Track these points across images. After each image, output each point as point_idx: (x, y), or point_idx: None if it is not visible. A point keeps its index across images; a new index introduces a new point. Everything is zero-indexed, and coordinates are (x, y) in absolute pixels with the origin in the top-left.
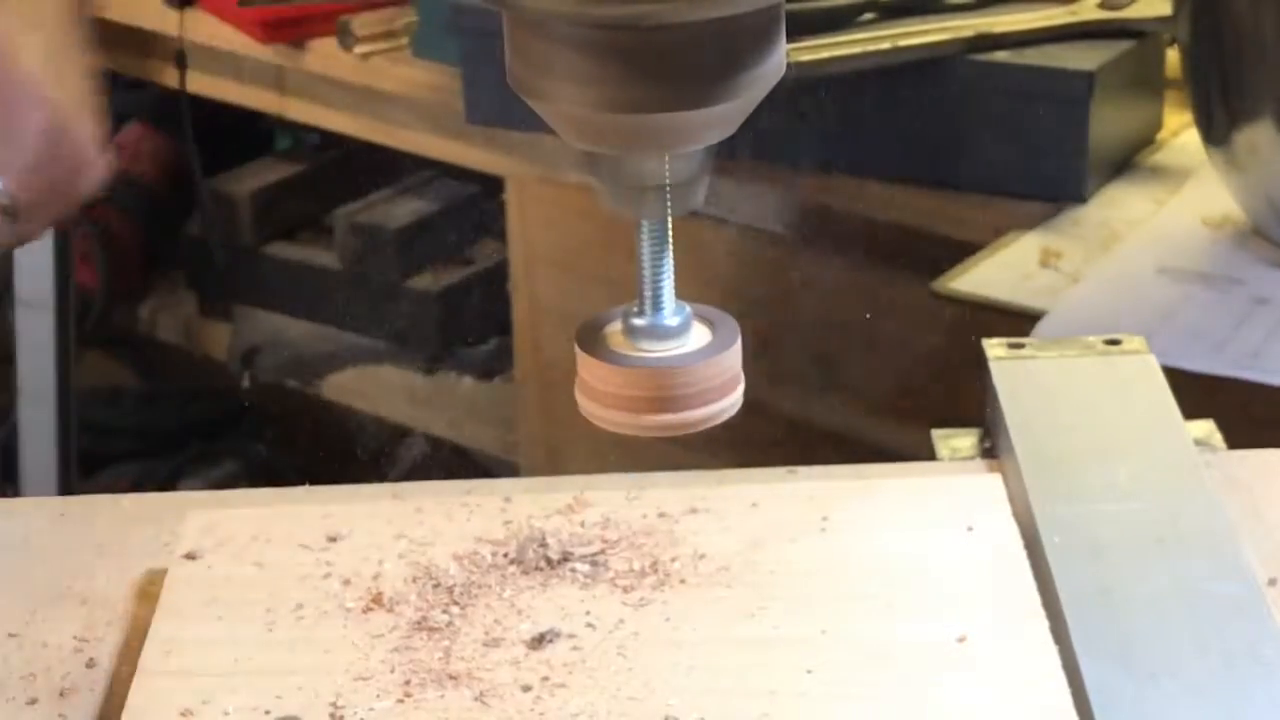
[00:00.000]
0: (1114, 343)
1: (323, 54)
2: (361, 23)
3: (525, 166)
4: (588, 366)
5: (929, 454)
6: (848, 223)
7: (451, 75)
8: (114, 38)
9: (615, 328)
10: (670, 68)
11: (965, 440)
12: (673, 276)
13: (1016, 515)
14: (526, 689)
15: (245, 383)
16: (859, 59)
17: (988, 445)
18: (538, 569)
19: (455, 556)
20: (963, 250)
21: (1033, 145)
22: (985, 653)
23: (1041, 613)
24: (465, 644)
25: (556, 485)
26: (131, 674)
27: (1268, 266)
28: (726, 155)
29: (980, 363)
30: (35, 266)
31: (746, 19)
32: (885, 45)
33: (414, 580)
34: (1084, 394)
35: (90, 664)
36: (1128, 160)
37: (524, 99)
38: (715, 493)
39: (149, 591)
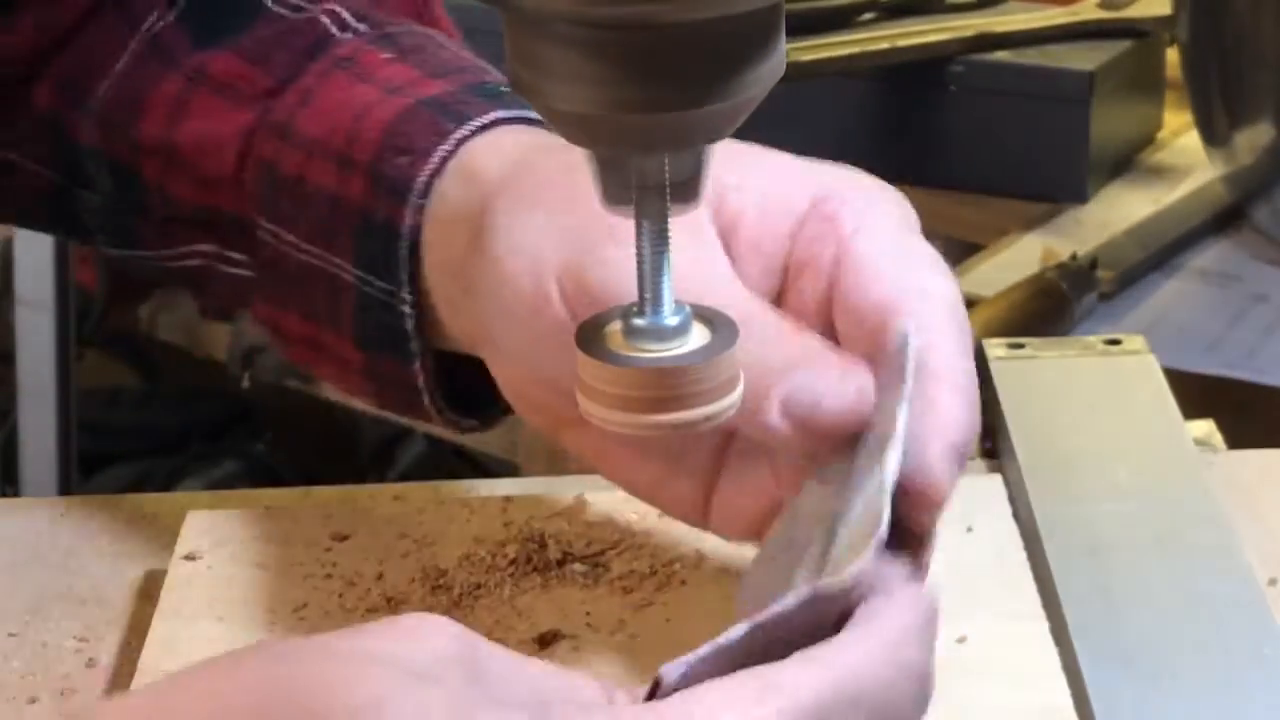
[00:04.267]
0: (1114, 343)
1: None
2: None
3: None
4: (588, 366)
5: None
6: None
7: None
8: None
9: (615, 328)
10: (670, 68)
11: None
12: (673, 276)
13: (1016, 515)
14: None
15: (245, 383)
16: (859, 59)
17: (988, 445)
18: (538, 570)
19: (456, 557)
20: (963, 250)
21: (1033, 145)
22: (985, 653)
23: (1041, 613)
24: None
25: (556, 485)
26: (131, 674)
27: (1265, 264)
28: None
29: (980, 363)
30: (35, 266)
31: (746, 19)
32: (885, 45)
33: (415, 581)
34: (1084, 394)
35: (90, 664)
36: (1128, 160)
37: (524, 99)
38: None
39: (149, 591)
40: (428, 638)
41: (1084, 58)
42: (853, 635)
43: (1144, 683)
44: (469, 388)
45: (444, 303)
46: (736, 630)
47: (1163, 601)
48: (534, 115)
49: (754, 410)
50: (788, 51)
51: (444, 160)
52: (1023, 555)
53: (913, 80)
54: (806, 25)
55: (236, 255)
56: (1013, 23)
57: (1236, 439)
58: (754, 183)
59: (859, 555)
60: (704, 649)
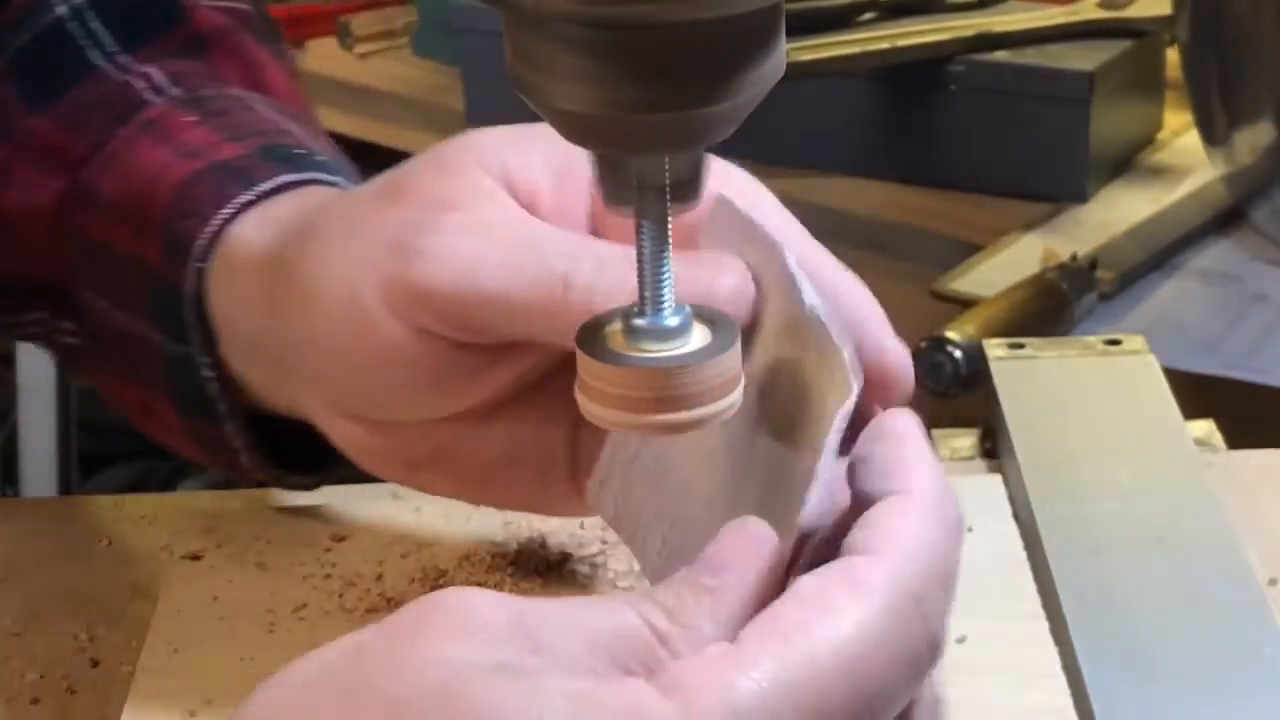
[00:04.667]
0: (1114, 343)
1: (322, 54)
2: (361, 22)
3: None
4: (588, 366)
5: None
6: (848, 223)
7: (451, 75)
8: None
9: (615, 328)
10: (670, 68)
11: (965, 440)
12: (673, 276)
13: (1016, 515)
14: None
15: None
16: (859, 59)
17: (988, 445)
18: (537, 571)
19: (455, 558)
20: (963, 250)
21: (1033, 145)
22: (985, 653)
23: (1041, 613)
24: None
25: None
26: (131, 674)
27: (1265, 264)
28: (728, 156)
29: (980, 363)
30: None
31: (747, 19)
32: (885, 45)
33: (415, 581)
34: (1084, 394)
35: (91, 664)
36: (1128, 160)
37: (523, 98)
38: None
39: (149, 591)
40: (486, 621)
41: (1084, 58)
42: (898, 507)
43: (1144, 683)
44: (309, 444)
45: (248, 366)
46: (823, 463)
47: (1163, 601)
48: (323, 177)
49: None
50: (788, 51)
51: (224, 223)
52: (1023, 555)
53: (913, 80)
54: (806, 25)
55: (66, 324)
56: (1013, 23)
57: (1236, 439)
58: (537, 158)
59: (850, 389)
60: (814, 490)
